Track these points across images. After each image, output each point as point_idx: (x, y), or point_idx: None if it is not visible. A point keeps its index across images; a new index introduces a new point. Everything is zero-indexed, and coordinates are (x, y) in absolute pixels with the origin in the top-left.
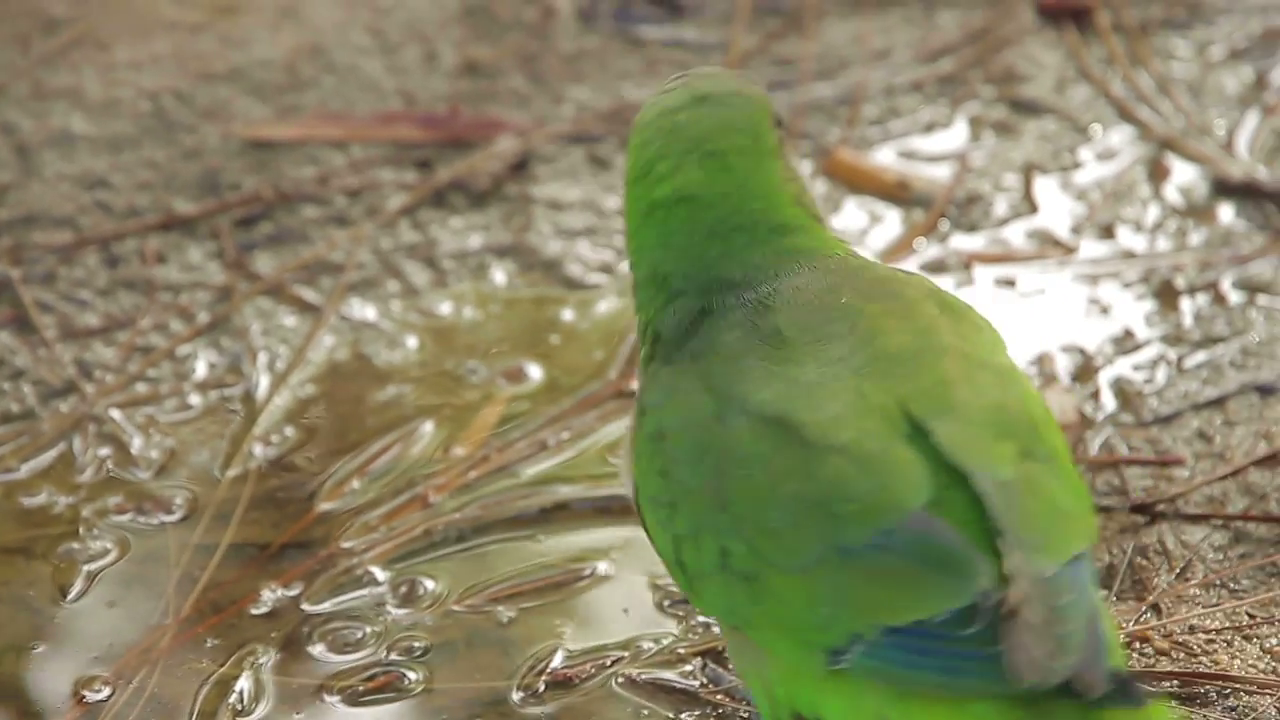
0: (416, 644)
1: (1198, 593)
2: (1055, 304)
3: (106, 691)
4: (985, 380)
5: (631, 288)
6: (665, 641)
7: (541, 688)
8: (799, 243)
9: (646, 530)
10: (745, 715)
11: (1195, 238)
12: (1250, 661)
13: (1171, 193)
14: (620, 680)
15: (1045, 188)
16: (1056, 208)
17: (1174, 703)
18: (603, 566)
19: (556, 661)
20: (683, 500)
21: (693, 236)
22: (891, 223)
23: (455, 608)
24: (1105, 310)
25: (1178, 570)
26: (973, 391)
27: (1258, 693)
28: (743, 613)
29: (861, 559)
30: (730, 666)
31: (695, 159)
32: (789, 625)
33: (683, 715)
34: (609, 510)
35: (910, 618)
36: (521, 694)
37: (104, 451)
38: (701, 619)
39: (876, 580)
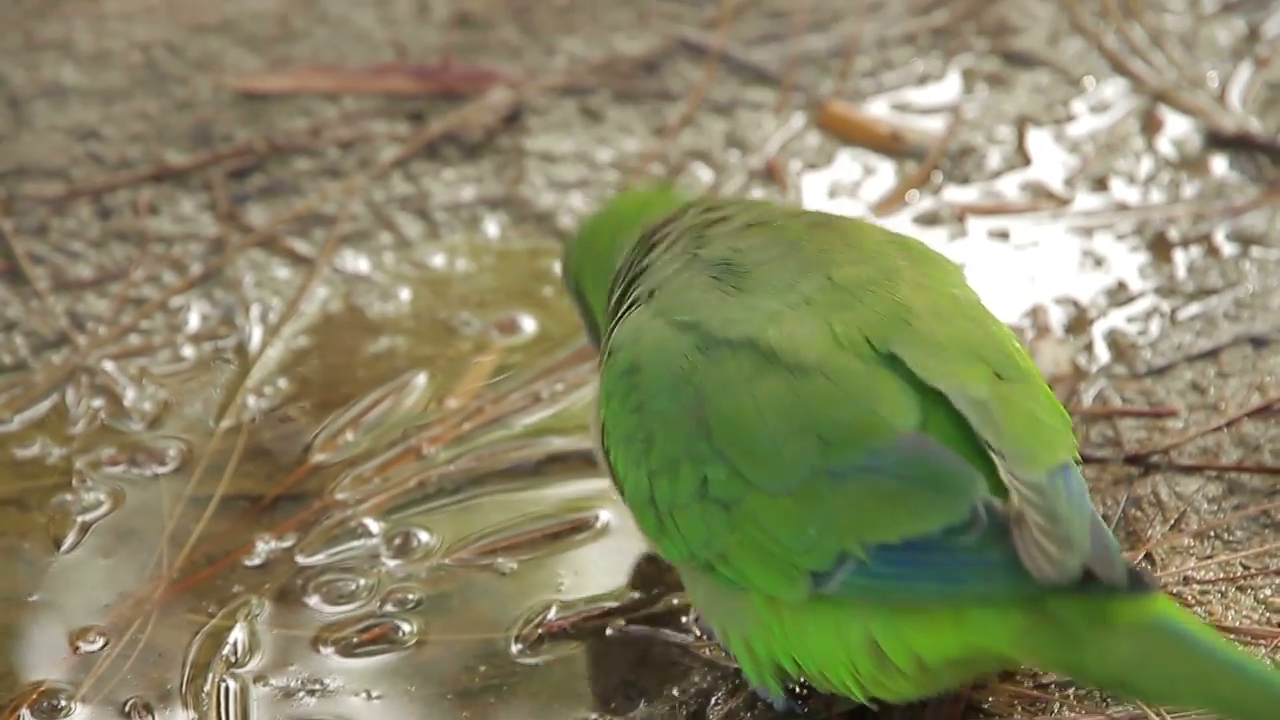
0: (410, 596)
1: (1192, 544)
2: (1048, 256)
3: (101, 642)
4: (947, 308)
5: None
6: (656, 591)
7: (537, 639)
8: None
9: (614, 478)
10: (739, 667)
11: (1188, 190)
12: (1245, 612)
13: (1165, 145)
14: (614, 632)
15: (1038, 140)
16: (1050, 160)
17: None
18: (597, 518)
19: (551, 614)
20: (660, 431)
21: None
22: (885, 175)
23: (449, 560)
24: (1099, 262)
25: (1172, 521)
26: (936, 319)
27: (1253, 643)
28: (719, 543)
29: (852, 480)
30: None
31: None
32: (770, 551)
33: (677, 667)
34: None
35: (904, 534)
36: (518, 645)
37: (97, 403)
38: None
39: (867, 500)
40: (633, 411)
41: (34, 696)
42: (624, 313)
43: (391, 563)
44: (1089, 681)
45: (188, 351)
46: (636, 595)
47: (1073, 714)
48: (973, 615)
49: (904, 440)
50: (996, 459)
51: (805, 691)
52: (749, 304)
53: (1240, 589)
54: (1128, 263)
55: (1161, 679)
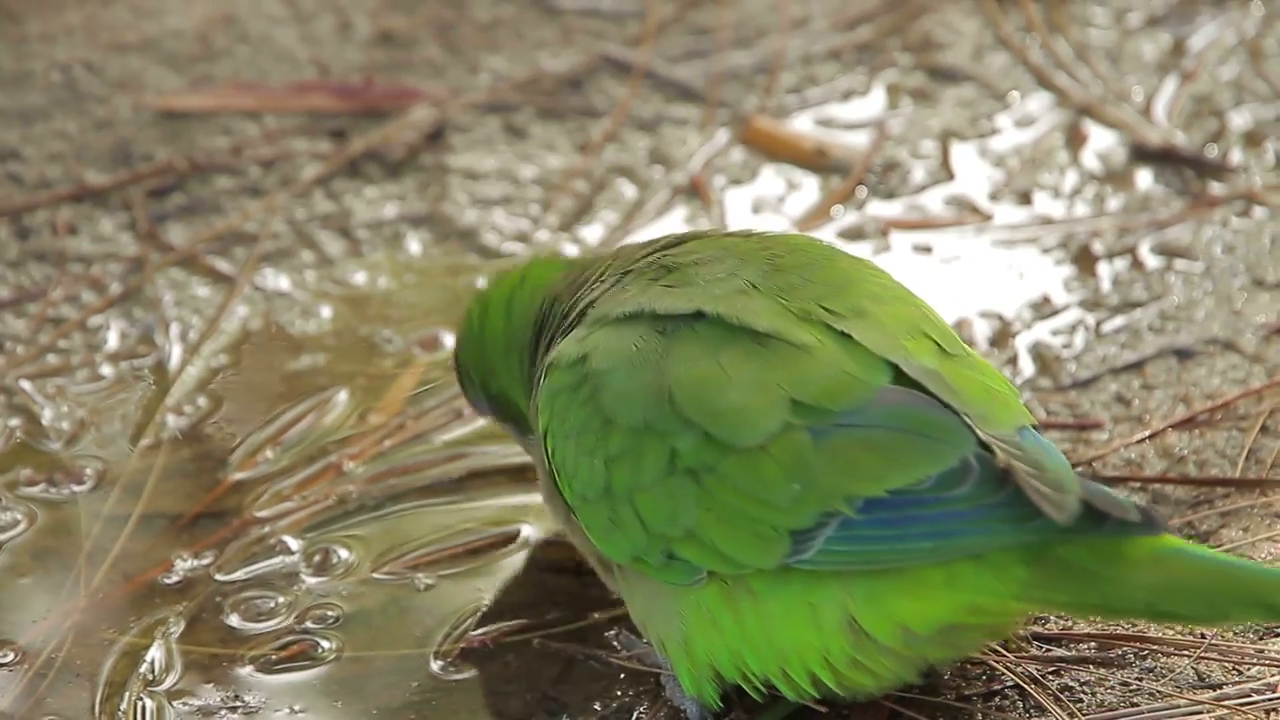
0: (330, 612)
1: None
2: (973, 270)
3: (15, 659)
4: (885, 295)
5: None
6: (577, 606)
7: (458, 655)
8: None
9: (559, 487)
10: (662, 679)
11: (1113, 203)
12: (1167, 624)
13: (1089, 159)
14: (536, 647)
15: (963, 155)
16: (974, 174)
17: (1094, 667)
18: (519, 533)
19: (473, 629)
20: (619, 409)
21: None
22: (809, 190)
23: (370, 576)
24: (1023, 276)
25: None
26: (876, 303)
27: (1175, 653)
28: (686, 519)
29: (834, 437)
30: (645, 639)
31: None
32: (747, 515)
33: (599, 682)
34: (524, 476)
35: (892, 485)
36: (439, 661)
37: (14, 422)
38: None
39: (853, 454)
40: (584, 404)
41: None
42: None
43: (311, 580)
44: (1116, 617)
45: (106, 370)
46: (558, 611)
47: None
48: (968, 574)
49: (885, 393)
50: (967, 420)
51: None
52: (692, 293)
53: None
54: (1052, 276)
55: (1198, 596)
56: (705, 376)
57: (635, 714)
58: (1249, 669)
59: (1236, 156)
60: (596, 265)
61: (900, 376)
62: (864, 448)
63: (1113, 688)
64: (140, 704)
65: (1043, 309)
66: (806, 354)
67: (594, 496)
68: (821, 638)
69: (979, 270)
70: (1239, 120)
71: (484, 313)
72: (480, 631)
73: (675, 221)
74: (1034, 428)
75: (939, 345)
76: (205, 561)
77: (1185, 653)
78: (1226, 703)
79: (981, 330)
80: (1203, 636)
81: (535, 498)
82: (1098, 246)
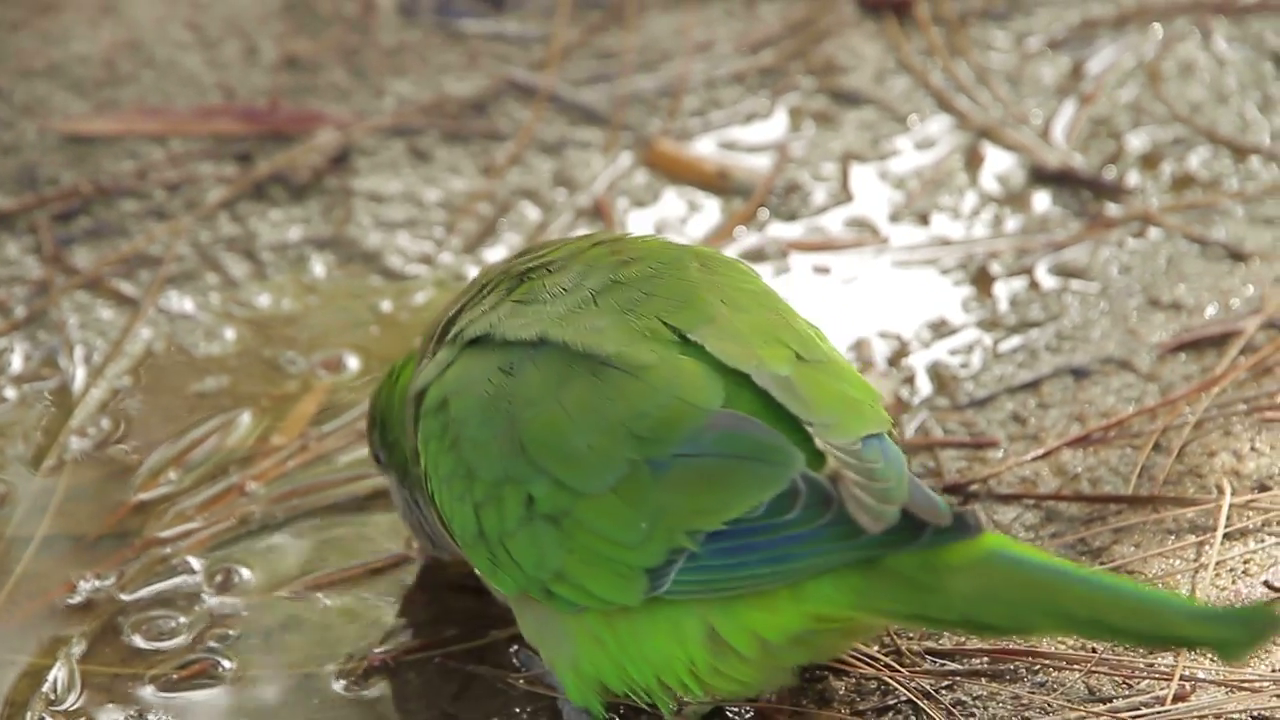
0: (232, 631)
1: None
2: (872, 291)
3: None
4: (742, 300)
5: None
6: (477, 626)
7: (359, 673)
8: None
9: (446, 527)
10: (556, 698)
11: (1011, 224)
12: (1058, 638)
13: (988, 180)
14: (436, 665)
15: (863, 177)
16: (875, 196)
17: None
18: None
19: (374, 648)
20: (478, 460)
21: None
22: (711, 212)
23: (272, 595)
24: (921, 297)
25: None
26: (730, 309)
27: (1066, 668)
28: (553, 562)
29: (674, 467)
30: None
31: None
32: (605, 556)
33: (497, 699)
34: None
35: (728, 516)
36: (340, 680)
37: None
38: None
39: (690, 486)
40: (448, 451)
41: None
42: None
43: (213, 599)
44: (940, 627)
45: (9, 393)
46: (458, 629)
47: None
48: (809, 587)
49: (716, 418)
50: (808, 428)
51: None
52: (540, 311)
53: None
54: (950, 296)
55: (1007, 606)
56: (550, 424)
57: None
58: (1139, 683)
59: (1133, 178)
60: (474, 281)
61: (748, 388)
62: (699, 478)
63: (1005, 702)
64: None
65: (941, 329)
66: (642, 381)
67: (471, 541)
68: (686, 650)
69: (878, 291)
70: (1136, 142)
71: (404, 365)
72: (381, 650)
73: None
74: (889, 434)
75: (795, 352)
76: (108, 582)
77: (1076, 667)
78: (1119, 716)
79: (880, 350)
80: (1094, 650)
81: None
82: (995, 267)
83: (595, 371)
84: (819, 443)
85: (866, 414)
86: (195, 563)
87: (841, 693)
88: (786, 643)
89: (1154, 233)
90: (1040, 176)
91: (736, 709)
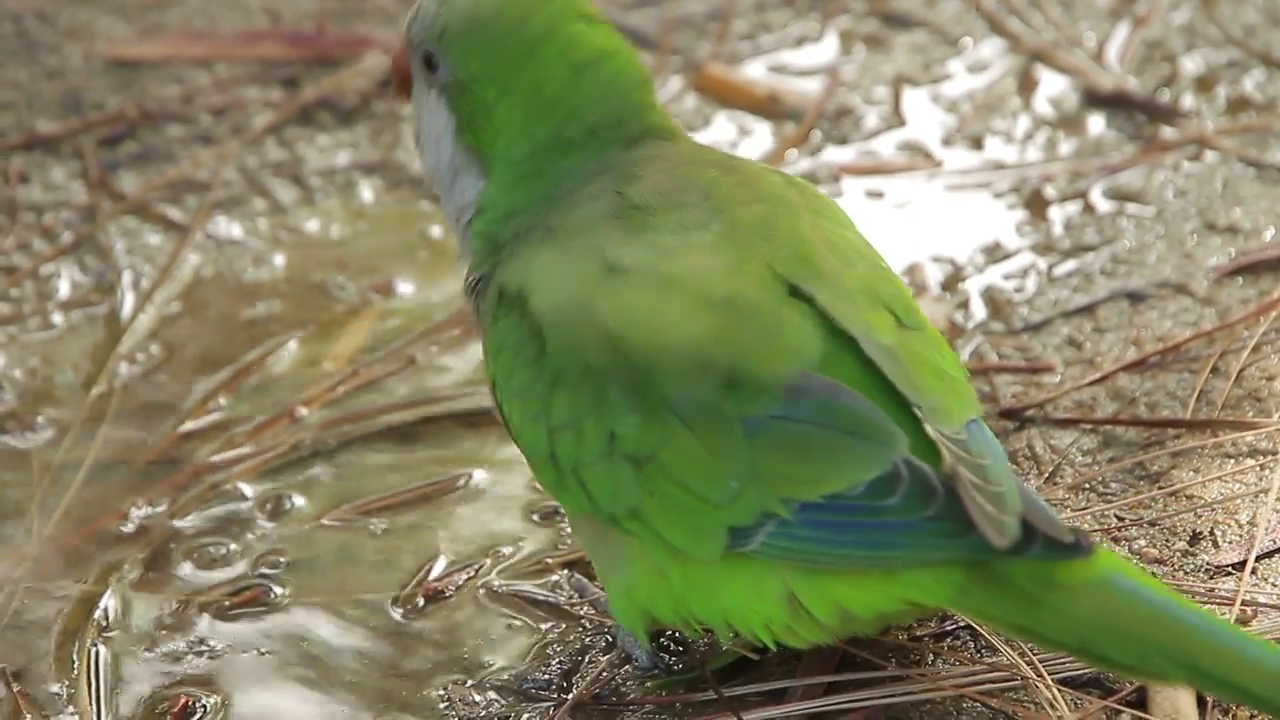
0: (284, 559)
1: (1067, 496)
2: (925, 215)
3: None
4: (847, 252)
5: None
6: (531, 551)
7: (414, 600)
8: (658, 121)
9: (510, 430)
10: (609, 628)
11: (1065, 148)
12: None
13: (1041, 104)
14: (490, 592)
15: (915, 100)
16: (927, 120)
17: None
18: (472, 478)
19: (429, 574)
20: (562, 381)
21: (615, 88)
22: (762, 136)
23: (324, 522)
24: (975, 221)
25: (1047, 474)
26: (838, 261)
27: None
28: (629, 499)
29: (768, 431)
30: (597, 582)
31: (583, 23)
32: (685, 507)
33: (548, 627)
34: (478, 423)
35: (825, 490)
36: (396, 607)
37: None
38: (569, 530)
39: (786, 452)
40: (529, 364)
41: None
42: (512, 249)
43: (265, 525)
44: (1055, 648)
45: (58, 319)
46: (511, 556)
47: (946, 665)
48: (906, 574)
49: (815, 384)
50: (917, 412)
51: (680, 647)
52: (652, 241)
53: (1115, 540)
54: (1004, 221)
55: (1128, 641)
56: (649, 325)
57: (587, 657)
58: (1201, 607)
59: (1188, 101)
60: (589, 145)
61: (850, 352)
62: (796, 445)
63: None
64: (95, 651)
65: (995, 253)
66: (749, 322)
67: (540, 460)
68: (764, 607)
69: (931, 215)
70: (1190, 65)
71: (544, 38)
72: (433, 577)
73: None
74: (980, 419)
75: (897, 317)
76: (159, 509)
77: None
78: None
79: (934, 275)
80: (1153, 571)
81: (487, 444)
82: (1050, 191)
83: (699, 300)
84: (930, 430)
85: (963, 393)
86: (247, 489)
87: None
88: (871, 618)
89: (1210, 156)
90: (1094, 99)
91: None
